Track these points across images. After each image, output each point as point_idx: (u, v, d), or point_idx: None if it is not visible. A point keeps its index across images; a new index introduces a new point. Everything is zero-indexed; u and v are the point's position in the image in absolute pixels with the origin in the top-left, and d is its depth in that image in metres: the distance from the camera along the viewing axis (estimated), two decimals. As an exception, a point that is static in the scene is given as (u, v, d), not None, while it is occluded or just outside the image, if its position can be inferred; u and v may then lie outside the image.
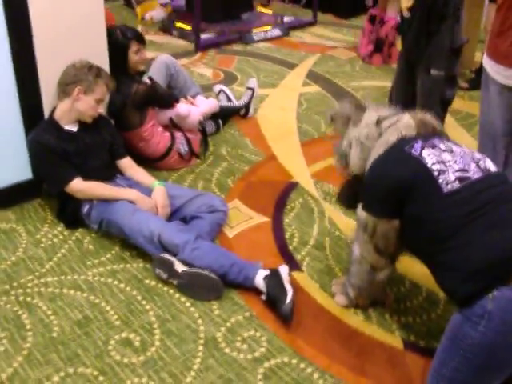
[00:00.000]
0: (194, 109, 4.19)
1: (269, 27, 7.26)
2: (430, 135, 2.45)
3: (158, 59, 4.55)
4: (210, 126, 4.47)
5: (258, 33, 7.09)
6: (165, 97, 4.07)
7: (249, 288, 2.95)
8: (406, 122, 2.49)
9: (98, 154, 3.42)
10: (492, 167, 2.34)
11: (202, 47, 6.59)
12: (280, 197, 3.80)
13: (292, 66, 6.25)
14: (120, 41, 3.80)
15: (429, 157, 2.30)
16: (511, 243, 2.10)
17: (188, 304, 2.88)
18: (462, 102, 5.36)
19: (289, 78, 5.91)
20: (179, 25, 7.17)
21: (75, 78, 3.26)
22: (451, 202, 2.20)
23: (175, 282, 2.94)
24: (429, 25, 3.69)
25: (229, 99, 4.84)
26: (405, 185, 2.31)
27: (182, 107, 4.10)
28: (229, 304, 2.89)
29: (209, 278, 2.88)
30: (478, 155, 2.39)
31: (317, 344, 2.70)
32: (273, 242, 3.36)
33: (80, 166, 3.33)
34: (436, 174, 2.25)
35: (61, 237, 3.34)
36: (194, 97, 4.42)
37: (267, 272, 2.90)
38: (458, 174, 2.24)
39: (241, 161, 4.23)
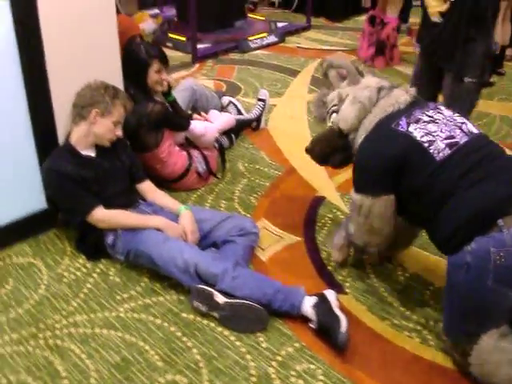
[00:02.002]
0: (210, 126, 4.00)
1: (265, 34, 7.07)
2: (413, 107, 2.59)
3: (185, 84, 4.43)
4: (223, 141, 4.27)
5: (254, 40, 6.91)
6: (178, 120, 3.87)
7: (294, 316, 2.75)
8: (398, 95, 2.65)
9: (118, 180, 3.21)
10: (474, 130, 2.52)
11: (199, 58, 6.38)
12: (308, 213, 3.61)
13: (294, 73, 6.09)
14: (142, 57, 3.61)
15: (416, 131, 2.46)
16: (492, 196, 2.30)
17: (232, 338, 2.68)
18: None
19: (293, 86, 5.75)
20: (172, 36, 6.97)
21: (91, 99, 3.06)
22: (445, 168, 2.38)
23: (216, 315, 2.74)
24: (467, 30, 3.49)
25: (239, 111, 4.64)
26: (398, 161, 2.47)
27: (197, 127, 3.90)
28: (276, 335, 2.70)
29: (253, 308, 2.69)
30: (459, 119, 2.55)
31: (377, 374, 2.51)
32: (309, 263, 3.18)
33: (100, 193, 3.12)
34: (426, 145, 2.42)
35: (84, 270, 3.12)
36: (207, 112, 4.23)
37: (315, 299, 2.71)
38: (447, 141, 2.41)
39: (260, 176, 4.04)
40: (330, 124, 2.83)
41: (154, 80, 3.65)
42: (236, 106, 4.69)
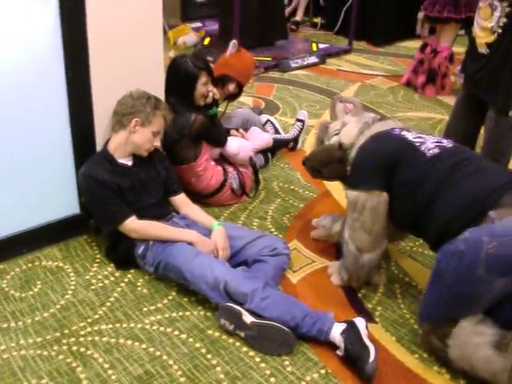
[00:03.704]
0: (244, 145, 3.97)
1: (306, 54, 7.06)
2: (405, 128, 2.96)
3: (240, 113, 4.48)
4: (259, 160, 4.24)
5: (294, 60, 6.89)
6: (218, 135, 3.85)
7: (321, 341, 2.69)
8: (396, 122, 3.09)
9: (153, 191, 3.20)
10: (457, 144, 2.82)
11: (239, 74, 6.36)
12: (341, 237, 3.54)
13: (333, 95, 6.02)
14: (191, 70, 3.60)
15: (408, 134, 2.80)
16: (484, 187, 2.47)
17: (258, 359, 2.63)
18: None
19: (332, 108, 5.67)
20: (213, 50, 6.97)
21: (132, 108, 3.05)
22: (435, 162, 2.61)
23: (242, 335, 2.70)
24: None
25: (276, 130, 4.62)
26: (392, 157, 2.73)
27: (231, 145, 3.88)
28: (302, 360, 2.65)
29: (281, 330, 2.64)
30: (444, 138, 2.89)
31: (403, 408, 2.45)
32: (339, 288, 3.12)
33: (134, 202, 3.11)
34: (418, 144, 2.72)
35: (112, 278, 3.10)
36: (247, 130, 4.22)
37: (344, 326, 2.66)
38: (435, 143, 2.71)
39: (294, 197, 4.00)
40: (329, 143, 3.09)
41: (201, 93, 3.64)
42: (274, 124, 4.67)
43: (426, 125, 5.35)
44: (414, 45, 7.65)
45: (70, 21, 2.92)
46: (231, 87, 4.18)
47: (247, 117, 4.44)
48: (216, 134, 3.80)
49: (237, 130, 4.18)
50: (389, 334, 2.84)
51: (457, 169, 2.57)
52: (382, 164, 2.75)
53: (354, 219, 2.83)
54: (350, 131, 2.94)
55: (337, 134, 3.02)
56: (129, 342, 2.70)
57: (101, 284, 3.07)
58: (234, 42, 4.18)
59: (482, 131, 3.84)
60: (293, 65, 6.83)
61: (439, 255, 2.49)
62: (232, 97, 4.31)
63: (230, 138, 3.95)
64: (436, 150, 2.66)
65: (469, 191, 2.49)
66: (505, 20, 3.34)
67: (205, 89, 3.64)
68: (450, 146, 2.73)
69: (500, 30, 3.35)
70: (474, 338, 2.41)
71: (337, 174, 3.12)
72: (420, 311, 2.66)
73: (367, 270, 2.96)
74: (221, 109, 4.14)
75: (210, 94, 3.69)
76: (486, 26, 3.41)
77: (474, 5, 3.74)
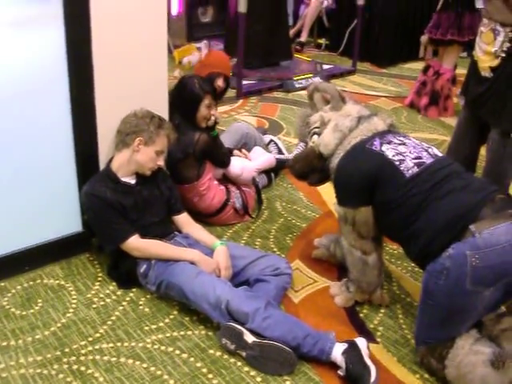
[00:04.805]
0: (247, 166, 4.00)
1: (310, 75, 7.08)
2: (386, 132, 2.89)
3: (238, 128, 4.49)
4: (263, 180, 4.25)
5: (298, 80, 6.92)
6: (221, 155, 3.87)
7: (322, 361, 2.68)
8: (377, 123, 2.92)
9: (156, 209, 3.21)
10: (439, 153, 2.80)
11: (243, 94, 6.40)
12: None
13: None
14: (196, 91, 3.63)
15: (388, 151, 2.73)
16: (462, 204, 2.50)
17: (259, 379, 2.62)
18: None
19: (335, 129, 5.67)
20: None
21: (136, 127, 3.07)
22: (414, 184, 2.61)
23: (244, 354, 2.69)
24: None
25: (279, 150, 4.63)
26: (372, 177, 2.71)
27: (234, 166, 3.90)
28: (303, 380, 2.63)
29: (282, 350, 2.63)
30: (426, 145, 2.85)
31: (404, 430, 2.43)
32: (341, 308, 3.11)
33: (137, 221, 3.12)
34: (397, 163, 2.67)
35: (114, 297, 3.10)
36: (249, 150, 4.23)
37: (345, 346, 2.65)
38: (415, 161, 2.67)
39: (297, 217, 4.00)
40: (310, 144, 3.05)
41: (203, 115, 3.66)
42: (277, 144, 4.68)
43: (429, 146, 5.33)
44: (417, 66, 7.65)
45: (74, 39, 2.95)
46: (220, 82, 4.30)
47: (245, 130, 4.46)
48: (219, 154, 3.82)
49: (239, 149, 4.18)
50: (390, 354, 2.83)
51: (436, 189, 2.58)
52: (361, 184, 2.77)
53: (349, 231, 2.89)
54: (328, 143, 2.92)
55: (316, 134, 3.01)
56: (130, 361, 2.69)
57: (102, 302, 3.06)
58: (204, 42, 4.30)
59: (483, 152, 3.85)
60: (297, 85, 6.84)
61: (426, 275, 2.56)
62: (221, 94, 4.36)
63: (232, 159, 3.96)
64: (415, 170, 2.65)
65: (449, 209, 2.51)
66: (508, 44, 3.36)
67: (207, 111, 3.67)
68: (430, 161, 2.70)
69: (504, 55, 3.36)
70: (470, 357, 2.44)
71: (321, 181, 3.23)
72: (415, 334, 2.70)
73: (377, 272, 2.98)
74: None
75: (212, 118, 3.72)
76: (489, 51, 3.42)
77: (477, 28, 3.76)
